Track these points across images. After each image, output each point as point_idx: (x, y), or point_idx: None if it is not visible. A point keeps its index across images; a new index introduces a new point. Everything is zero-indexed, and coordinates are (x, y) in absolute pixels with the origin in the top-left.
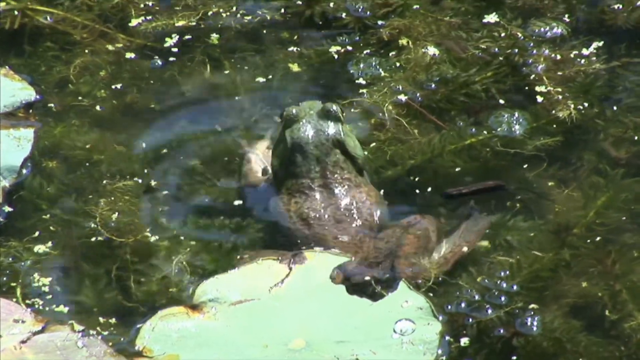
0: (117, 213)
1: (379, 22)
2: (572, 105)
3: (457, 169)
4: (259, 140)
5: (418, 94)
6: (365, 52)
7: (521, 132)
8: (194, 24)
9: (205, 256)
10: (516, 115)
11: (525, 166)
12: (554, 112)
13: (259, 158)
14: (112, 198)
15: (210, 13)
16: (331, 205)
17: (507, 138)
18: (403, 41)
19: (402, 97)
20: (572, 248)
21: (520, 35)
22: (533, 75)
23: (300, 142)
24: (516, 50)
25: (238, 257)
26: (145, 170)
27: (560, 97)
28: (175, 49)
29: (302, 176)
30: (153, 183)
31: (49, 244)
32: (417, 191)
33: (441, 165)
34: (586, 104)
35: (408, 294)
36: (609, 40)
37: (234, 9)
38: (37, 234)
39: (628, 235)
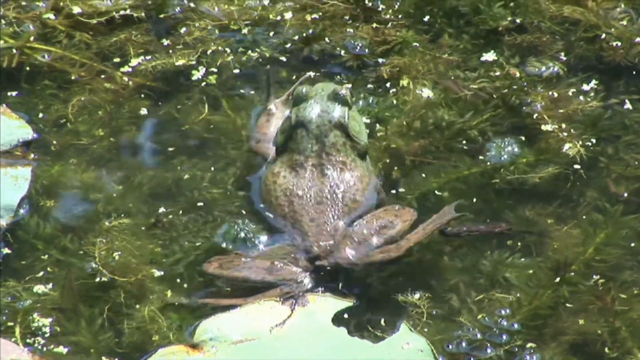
0: (114, 252)
1: (380, 60)
2: (580, 143)
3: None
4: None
5: (415, 144)
6: (365, 87)
7: (519, 168)
8: (193, 62)
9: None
10: (516, 151)
11: (524, 203)
12: (556, 149)
13: (278, 111)
14: (109, 237)
15: (209, 52)
16: (317, 186)
17: (505, 172)
18: (404, 81)
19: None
20: (571, 285)
21: (517, 74)
22: (535, 115)
23: (303, 120)
24: (514, 88)
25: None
26: (147, 208)
27: (562, 134)
28: (173, 88)
29: (298, 152)
30: (159, 218)
31: (49, 284)
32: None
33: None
34: (587, 142)
35: (409, 336)
36: (608, 77)
37: (233, 47)
38: (35, 274)
39: (627, 272)
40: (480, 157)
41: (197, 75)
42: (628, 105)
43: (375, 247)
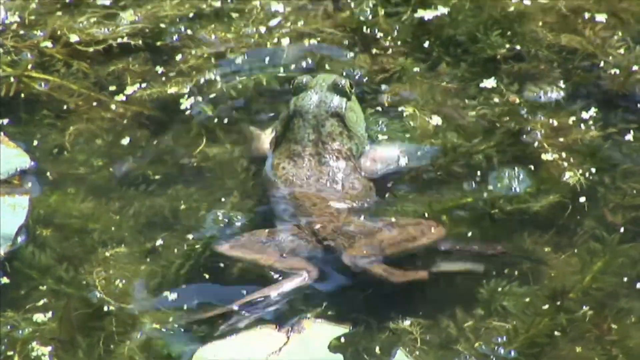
0: (111, 281)
1: (382, 87)
2: (579, 172)
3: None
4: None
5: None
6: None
7: (519, 197)
8: (189, 91)
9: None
10: (515, 181)
11: (521, 231)
12: (555, 177)
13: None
14: (105, 266)
15: (203, 80)
16: (315, 175)
17: (504, 200)
18: (408, 109)
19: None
20: (568, 313)
21: (517, 100)
22: (535, 143)
23: (301, 109)
24: (514, 115)
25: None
26: (143, 237)
27: (562, 163)
28: (171, 117)
29: (296, 142)
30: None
31: (48, 314)
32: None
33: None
34: (585, 171)
35: None
36: (606, 106)
37: (229, 75)
38: (33, 303)
39: (624, 300)
40: (481, 185)
41: (193, 103)
42: (626, 134)
43: (383, 260)
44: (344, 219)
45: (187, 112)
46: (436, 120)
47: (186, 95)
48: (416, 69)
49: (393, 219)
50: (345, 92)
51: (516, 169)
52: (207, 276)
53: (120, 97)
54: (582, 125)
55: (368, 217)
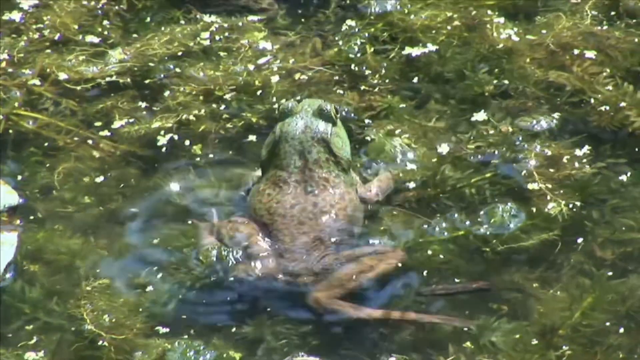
0: (100, 313)
1: (367, 122)
2: (564, 203)
3: (440, 264)
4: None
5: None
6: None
7: (508, 232)
8: (175, 126)
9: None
10: (506, 215)
11: (509, 266)
12: (544, 212)
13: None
14: (93, 299)
15: (191, 117)
16: (300, 204)
17: (493, 237)
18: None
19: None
20: (558, 349)
21: (510, 129)
22: (527, 177)
23: (287, 135)
24: (506, 147)
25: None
26: (131, 273)
27: (552, 197)
28: (159, 155)
29: (282, 168)
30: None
31: (40, 352)
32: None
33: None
34: (574, 205)
35: None
36: (594, 141)
37: (217, 113)
38: (23, 338)
39: (614, 337)
40: (472, 219)
41: (181, 142)
42: (615, 170)
43: (347, 293)
44: (319, 255)
45: (175, 150)
46: (425, 151)
47: (174, 133)
48: (403, 106)
49: (350, 251)
50: (330, 117)
51: (508, 203)
52: (194, 308)
53: (109, 135)
54: (571, 160)
55: (341, 249)
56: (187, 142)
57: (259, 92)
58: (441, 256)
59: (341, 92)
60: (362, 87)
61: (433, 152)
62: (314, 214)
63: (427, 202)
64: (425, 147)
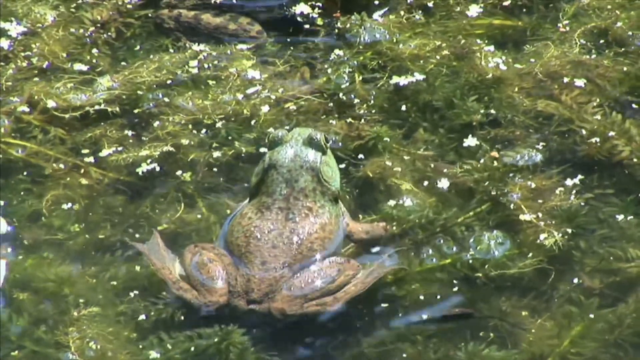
0: (89, 341)
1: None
2: (557, 236)
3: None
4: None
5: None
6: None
7: (497, 261)
8: (164, 156)
9: None
10: (494, 243)
11: (498, 295)
12: (533, 241)
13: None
14: (80, 328)
15: (180, 146)
16: (277, 230)
17: (482, 264)
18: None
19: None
20: None
21: (497, 155)
22: (514, 207)
23: (275, 163)
24: (494, 178)
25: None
26: (118, 300)
27: (539, 227)
28: (147, 183)
29: (267, 195)
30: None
31: None
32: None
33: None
34: (563, 235)
35: None
36: (582, 171)
37: (206, 142)
38: None
39: None
40: (460, 250)
41: (169, 170)
42: (602, 199)
43: (311, 299)
44: (282, 284)
45: (164, 178)
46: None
47: (162, 161)
48: (392, 136)
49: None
50: (320, 146)
51: (495, 232)
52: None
53: (97, 163)
54: (559, 189)
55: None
56: (176, 171)
57: (247, 122)
58: (427, 285)
59: (331, 121)
60: (351, 117)
61: (422, 187)
62: (289, 240)
63: (418, 245)
64: (415, 182)
